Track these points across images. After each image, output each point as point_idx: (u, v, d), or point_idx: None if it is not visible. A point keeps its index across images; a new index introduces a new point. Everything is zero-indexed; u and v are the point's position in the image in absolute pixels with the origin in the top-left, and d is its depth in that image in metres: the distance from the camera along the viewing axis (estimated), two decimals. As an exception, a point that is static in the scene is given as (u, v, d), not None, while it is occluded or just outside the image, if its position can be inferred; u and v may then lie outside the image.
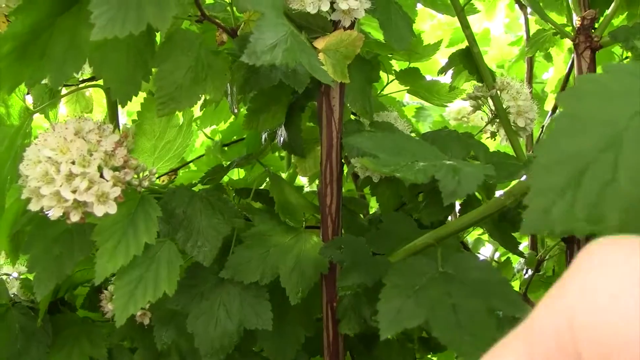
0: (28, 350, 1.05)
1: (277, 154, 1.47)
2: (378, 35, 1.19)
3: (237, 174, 1.53)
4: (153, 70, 0.86)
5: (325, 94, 0.93)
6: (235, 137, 1.51)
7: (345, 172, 1.05)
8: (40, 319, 1.03)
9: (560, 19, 1.30)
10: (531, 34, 1.46)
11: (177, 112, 1.04)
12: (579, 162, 0.41)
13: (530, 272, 1.47)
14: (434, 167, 0.74)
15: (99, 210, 0.76)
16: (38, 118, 1.29)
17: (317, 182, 1.43)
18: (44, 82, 1.09)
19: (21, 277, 1.14)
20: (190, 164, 1.50)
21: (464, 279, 0.76)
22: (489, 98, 1.14)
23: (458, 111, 1.57)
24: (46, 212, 0.76)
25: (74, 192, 0.74)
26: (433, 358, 1.55)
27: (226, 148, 1.50)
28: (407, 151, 0.80)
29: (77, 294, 1.24)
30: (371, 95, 1.03)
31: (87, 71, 1.13)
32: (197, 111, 1.39)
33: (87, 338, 1.08)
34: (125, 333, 1.08)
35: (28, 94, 1.13)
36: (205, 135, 1.56)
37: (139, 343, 1.06)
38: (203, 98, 1.15)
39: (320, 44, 0.86)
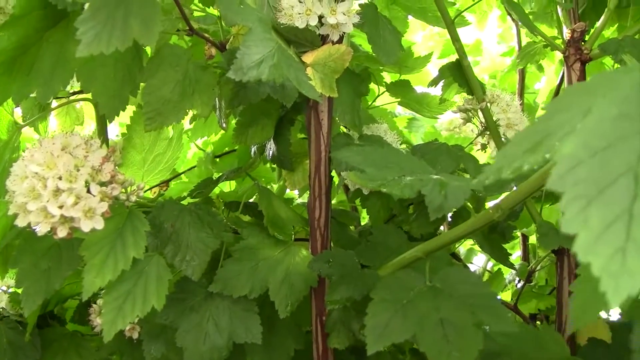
0: (16, 365, 1.04)
1: (268, 165, 1.47)
2: (369, 47, 1.19)
3: (228, 186, 1.53)
4: (141, 85, 0.86)
5: (314, 108, 0.93)
6: (227, 149, 1.51)
7: (336, 183, 1.05)
8: (28, 333, 1.03)
9: (551, 32, 1.30)
10: (523, 45, 1.47)
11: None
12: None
13: (521, 282, 1.47)
14: (420, 181, 0.74)
15: (85, 226, 0.75)
16: (28, 130, 1.29)
17: (307, 193, 1.43)
18: (33, 95, 1.10)
19: (10, 290, 1.14)
20: (182, 176, 1.50)
21: (452, 292, 0.76)
22: (479, 110, 1.14)
23: (450, 122, 1.57)
24: (33, 228, 0.76)
25: (60, 207, 0.74)
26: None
27: (218, 159, 1.50)
28: (394, 165, 0.80)
29: (67, 307, 1.23)
30: (360, 108, 1.03)
31: (77, 84, 1.13)
32: (187, 123, 1.39)
33: (75, 352, 1.08)
34: (114, 347, 1.08)
35: (17, 106, 1.12)
36: (197, 146, 1.56)
37: (127, 357, 1.05)
38: (192, 112, 1.16)
39: (308, 58, 0.86)
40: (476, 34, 2.16)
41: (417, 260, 0.84)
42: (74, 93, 1.19)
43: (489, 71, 2.25)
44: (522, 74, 1.67)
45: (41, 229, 0.75)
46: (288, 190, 1.41)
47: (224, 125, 0.98)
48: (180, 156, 1.12)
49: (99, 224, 0.76)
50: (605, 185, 0.38)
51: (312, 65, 0.85)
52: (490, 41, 2.30)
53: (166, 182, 1.32)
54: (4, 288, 1.15)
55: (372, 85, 1.29)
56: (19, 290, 1.09)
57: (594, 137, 0.41)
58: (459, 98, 1.21)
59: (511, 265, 1.21)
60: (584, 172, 0.38)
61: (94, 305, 1.05)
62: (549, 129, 0.46)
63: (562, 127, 0.44)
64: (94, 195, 0.76)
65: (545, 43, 1.25)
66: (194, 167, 1.50)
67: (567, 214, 0.37)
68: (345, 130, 1.10)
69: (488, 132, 1.15)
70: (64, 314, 1.22)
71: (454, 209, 1.20)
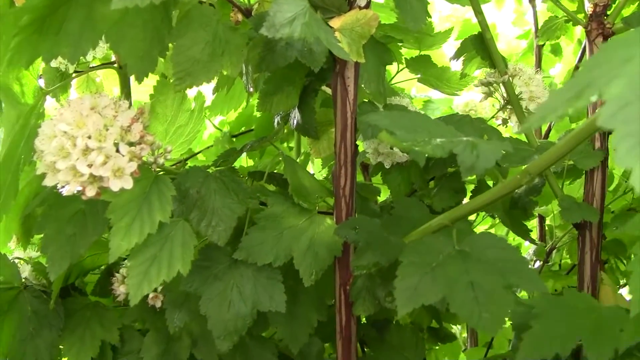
0: (40, 332, 1.04)
1: (285, 144, 1.47)
2: (389, 21, 1.19)
3: (245, 163, 1.53)
4: (170, 47, 0.86)
5: (340, 75, 0.92)
6: (243, 128, 1.51)
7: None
8: (53, 301, 1.03)
9: (572, 6, 1.30)
10: (540, 25, 1.46)
11: (188, 97, 1.05)
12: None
13: (539, 263, 1.47)
14: (451, 142, 0.73)
15: (114, 185, 0.75)
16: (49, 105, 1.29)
17: (323, 171, 1.43)
18: (55, 65, 1.10)
19: (33, 261, 1.13)
20: (199, 155, 1.50)
21: (480, 256, 0.75)
22: (500, 85, 1.14)
23: (466, 104, 1.57)
24: (61, 189, 0.76)
25: (89, 166, 0.74)
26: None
27: (235, 139, 1.50)
28: (423, 129, 0.80)
29: (87, 282, 1.23)
30: (385, 77, 1.03)
31: (99, 54, 1.13)
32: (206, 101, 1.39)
33: (98, 322, 1.08)
34: (136, 316, 1.08)
35: (41, 77, 1.13)
36: (214, 126, 1.56)
37: (150, 325, 1.05)
38: (216, 79, 1.15)
39: (336, 23, 0.86)
40: (491, 18, 2.16)
41: (443, 228, 0.84)
42: (94, 67, 1.19)
43: (504, 54, 2.24)
44: (539, 56, 1.67)
45: (70, 188, 0.75)
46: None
47: (251, 89, 0.98)
48: (201, 130, 1.12)
49: (128, 184, 0.76)
50: (657, 123, 0.38)
51: (340, 30, 0.85)
52: (506, 25, 2.29)
53: (183, 162, 1.32)
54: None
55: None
56: (42, 260, 1.10)
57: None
58: (481, 73, 1.21)
59: (532, 241, 1.21)
60: (634, 111, 0.39)
61: (116, 274, 1.05)
62: (590, 79, 0.46)
63: (606, 74, 0.44)
64: (123, 155, 0.76)
65: (566, 18, 1.24)
66: (211, 146, 1.50)
67: (620, 149, 0.38)
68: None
69: (510, 107, 1.15)
70: (84, 288, 1.22)
71: (475, 186, 1.21)
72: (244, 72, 0.96)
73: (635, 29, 0.51)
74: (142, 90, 1.12)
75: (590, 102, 0.45)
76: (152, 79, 1.03)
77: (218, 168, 0.98)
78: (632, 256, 0.74)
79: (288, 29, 0.71)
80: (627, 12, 1.37)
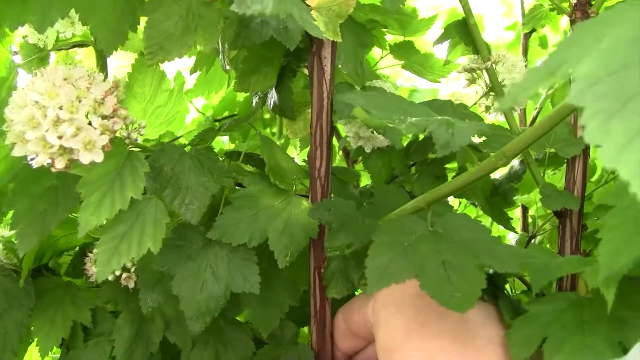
0: (10, 312, 1.03)
1: (268, 130, 1.46)
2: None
3: (228, 147, 1.53)
4: (142, 21, 0.85)
5: (317, 55, 0.91)
6: (227, 113, 1.50)
7: (336, 147, 1.04)
8: (22, 280, 1.02)
9: (557, -6, 1.29)
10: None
11: (167, 77, 1.03)
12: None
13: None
14: (427, 121, 0.73)
15: (84, 158, 0.74)
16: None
17: (303, 154, 1.42)
18: (33, 41, 1.09)
19: (5, 239, 1.12)
20: (181, 139, 1.50)
21: (453, 237, 0.75)
22: (484, 71, 1.13)
23: (452, 95, 1.57)
24: (30, 160, 0.74)
25: (60, 137, 0.73)
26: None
27: (217, 123, 1.49)
28: (399, 109, 0.79)
29: (62, 263, 1.22)
30: (364, 59, 1.02)
31: (78, 32, 1.12)
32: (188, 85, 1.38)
33: (71, 302, 1.07)
34: (109, 296, 1.07)
35: (16, 54, 1.11)
36: (197, 110, 1.55)
37: (123, 307, 1.04)
38: (194, 61, 1.14)
39: (312, 1, 0.85)
40: (479, 10, 2.15)
41: (419, 211, 0.83)
42: (75, 45, 1.18)
43: (492, 46, 2.23)
44: (525, 45, 1.66)
45: (39, 160, 0.73)
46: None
47: (227, 67, 0.97)
48: (179, 116, 1.11)
49: (99, 157, 0.75)
50: (625, 101, 0.39)
51: (316, 9, 0.84)
52: (494, 17, 2.29)
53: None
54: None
55: (375, 50, 1.28)
56: (13, 239, 1.08)
57: (610, 58, 0.42)
58: (466, 62, 1.20)
59: (512, 229, 1.20)
60: (603, 89, 0.40)
61: (89, 254, 1.03)
62: (563, 58, 0.47)
63: (578, 54, 0.45)
64: (95, 128, 0.75)
65: (551, 6, 1.24)
66: (194, 130, 1.49)
67: (590, 126, 0.38)
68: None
69: (492, 94, 1.14)
70: (58, 269, 1.21)
71: (456, 173, 1.20)
72: (219, 50, 0.95)
73: (611, 9, 0.51)
74: (124, 71, 1.11)
75: (563, 79, 0.45)
76: (131, 57, 1.02)
77: (194, 147, 0.97)
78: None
79: (260, 5, 0.70)
80: (610, 2, 1.37)
